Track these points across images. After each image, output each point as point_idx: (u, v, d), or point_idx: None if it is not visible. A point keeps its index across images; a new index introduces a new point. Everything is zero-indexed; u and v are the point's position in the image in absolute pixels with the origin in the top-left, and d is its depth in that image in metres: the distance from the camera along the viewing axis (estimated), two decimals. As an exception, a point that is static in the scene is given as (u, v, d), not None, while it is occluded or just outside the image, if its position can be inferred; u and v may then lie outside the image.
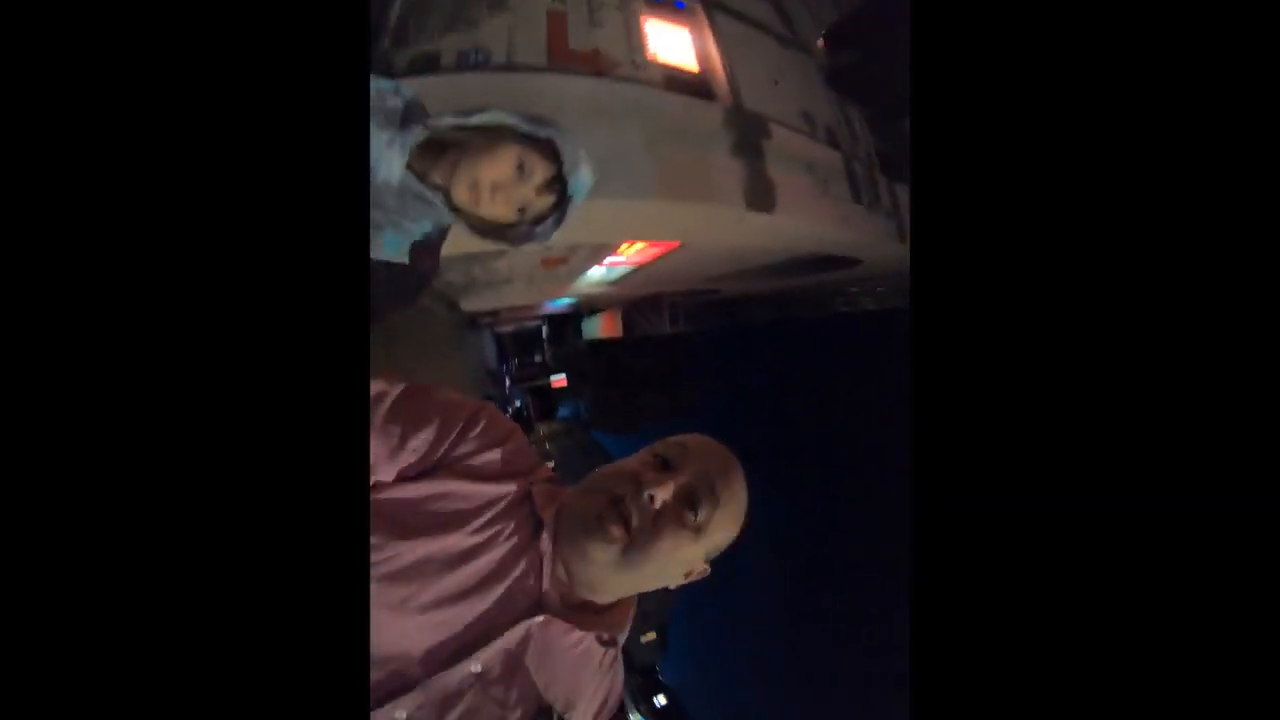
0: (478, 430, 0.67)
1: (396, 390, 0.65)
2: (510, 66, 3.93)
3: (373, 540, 0.59)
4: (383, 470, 0.62)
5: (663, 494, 0.62)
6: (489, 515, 0.64)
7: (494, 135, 0.90)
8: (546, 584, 0.65)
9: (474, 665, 0.60)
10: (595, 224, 4.70)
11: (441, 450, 0.64)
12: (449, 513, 0.62)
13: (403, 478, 0.63)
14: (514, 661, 0.62)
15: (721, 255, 7.40)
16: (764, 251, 7.03)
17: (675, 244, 6.67)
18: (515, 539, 0.64)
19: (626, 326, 14.12)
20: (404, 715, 0.58)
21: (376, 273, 0.95)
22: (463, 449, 0.66)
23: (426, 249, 1.00)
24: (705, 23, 5.25)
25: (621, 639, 0.68)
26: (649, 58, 4.68)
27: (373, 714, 0.57)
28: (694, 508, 0.63)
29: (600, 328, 16.11)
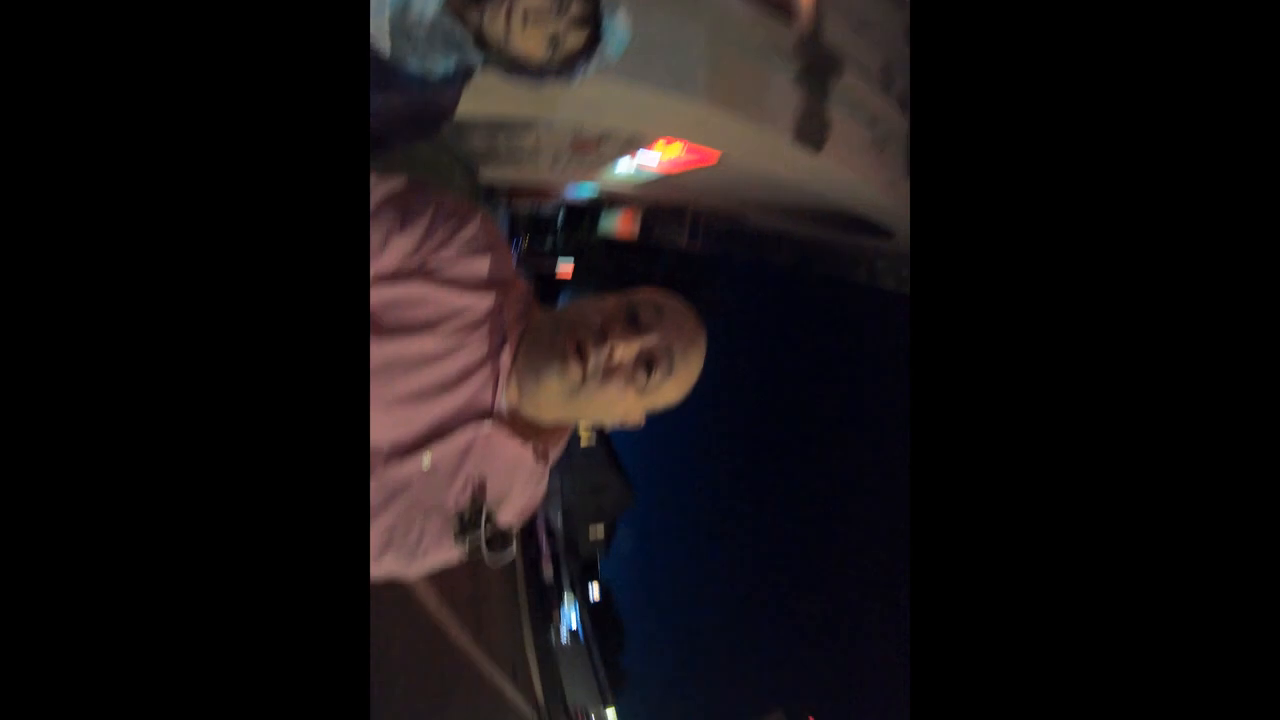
0: (465, 234, 0.68)
1: (387, 187, 0.66)
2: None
3: None
4: None
5: (623, 352, 0.66)
6: (458, 323, 0.67)
7: None
8: (500, 396, 0.69)
9: (425, 458, 0.66)
10: (633, 110, 4.49)
11: (422, 253, 0.66)
12: (422, 316, 0.65)
13: (381, 276, 0.65)
14: (459, 459, 0.68)
15: (754, 181, 7.15)
16: (799, 190, 6.78)
17: (711, 158, 6.43)
18: (480, 350, 0.68)
19: (643, 230, 13.86)
20: None
21: (392, 99, 0.93)
22: (445, 253, 0.67)
23: (446, 85, 0.97)
24: (804, -67, 4.79)
25: (553, 456, 0.74)
26: (733, -44, 4.31)
27: None
28: (648, 371, 0.66)
29: (617, 226, 15.79)
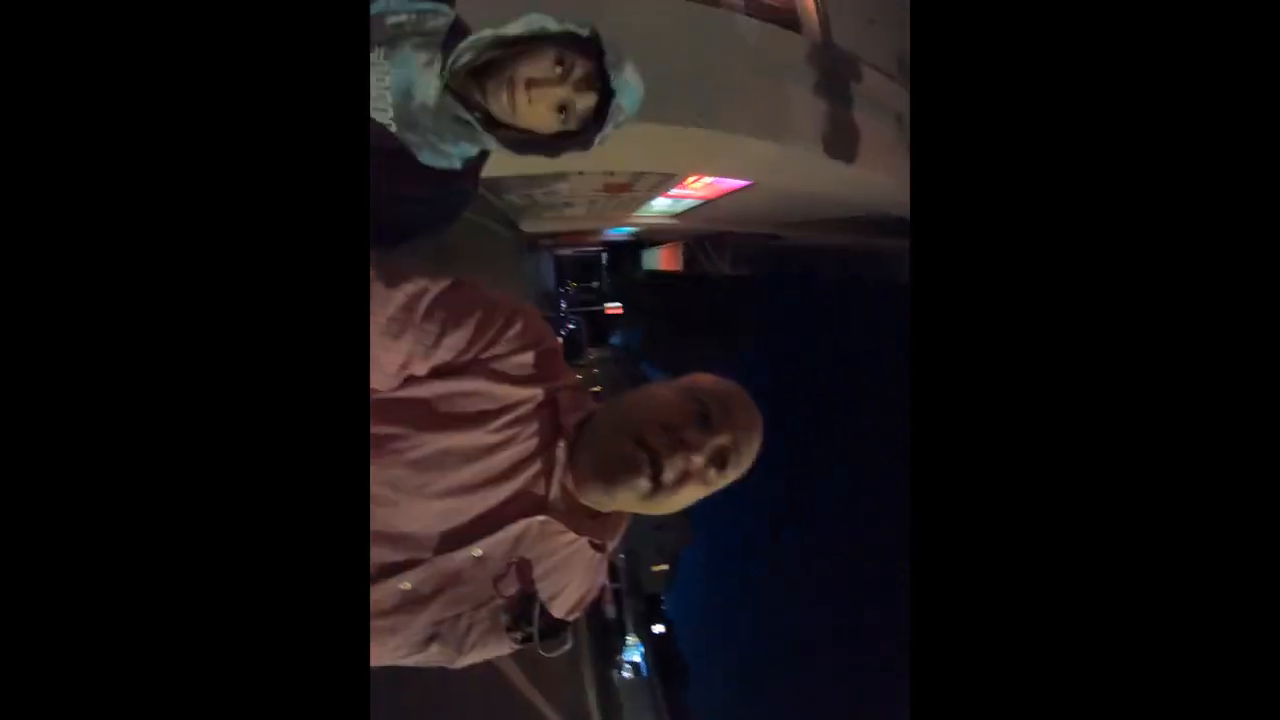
0: (513, 332, 0.69)
1: (438, 287, 0.67)
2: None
3: (402, 429, 0.64)
4: (417, 365, 0.66)
5: (699, 458, 0.64)
6: (511, 417, 0.67)
7: (534, 42, 0.86)
8: (554, 489, 0.68)
9: (476, 550, 0.66)
10: (660, 151, 4.53)
11: (475, 350, 0.67)
12: (474, 411, 0.66)
13: (435, 373, 0.66)
14: (512, 552, 0.67)
15: (792, 200, 7.07)
16: (837, 203, 6.66)
17: (745, 181, 6.41)
18: (532, 442, 0.68)
19: (686, 262, 13.94)
20: (409, 585, 0.65)
21: (409, 190, 0.94)
22: (496, 350, 0.68)
23: (462, 171, 0.98)
24: (797, -55, 4.80)
25: (612, 545, 0.72)
26: (733, -22, 4.34)
27: (383, 584, 0.64)
28: (721, 470, 0.66)
29: (660, 260, 15.95)
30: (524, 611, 0.68)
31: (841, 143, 4.58)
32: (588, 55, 0.86)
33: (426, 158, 0.94)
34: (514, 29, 0.86)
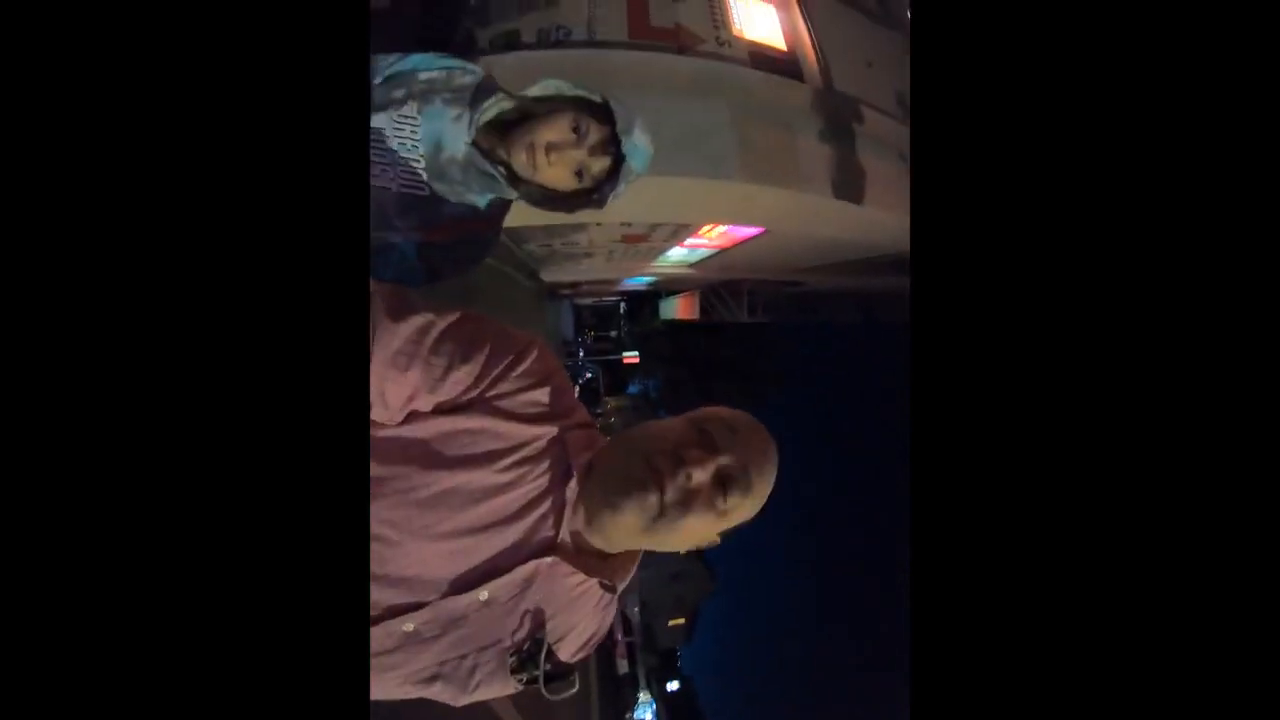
0: (521, 369, 0.67)
1: (445, 322, 0.65)
2: (590, 43, 3.93)
3: (405, 468, 0.62)
4: (421, 401, 0.64)
5: (701, 475, 0.64)
6: (519, 456, 0.65)
7: (552, 104, 0.95)
8: (564, 530, 0.67)
9: (483, 594, 0.64)
10: (674, 203, 4.66)
11: (482, 387, 0.65)
12: (482, 450, 0.64)
13: (440, 410, 0.64)
14: (519, 593, 0.66)
15: (805, 245, 7.16)
16: (851, 245, 6.74)
17: (758, 229, 6.53)
18: (541, 482, 0.66)
19: (704, 310, 14.01)
20: (412, 628, 0.63)
21: (436, 234, 1.02)
22: (504, 386, 0.66)
23: (487, 219, 1.06)
24: (793, -1, 5.04)
25: (621, 586, 0.71)
26: (734, 35, 4.51)
27: (384, 625, 0.63)
28: (726, 493, 0.64)
29: (678, 309, 16.07)
30: (531, 654, 0.67)
31: (849, 184, 4.67)
32: (602, 120, 0.95)
33: (453, 207, 1.02)
34: (534, 91, 0.96)
